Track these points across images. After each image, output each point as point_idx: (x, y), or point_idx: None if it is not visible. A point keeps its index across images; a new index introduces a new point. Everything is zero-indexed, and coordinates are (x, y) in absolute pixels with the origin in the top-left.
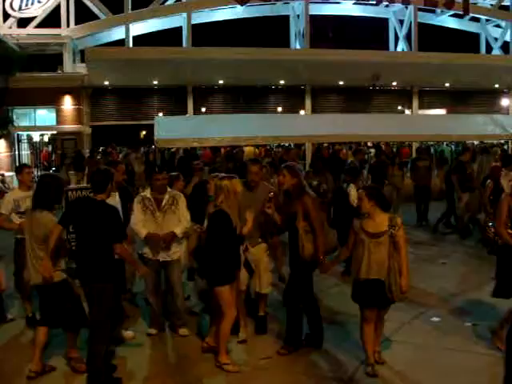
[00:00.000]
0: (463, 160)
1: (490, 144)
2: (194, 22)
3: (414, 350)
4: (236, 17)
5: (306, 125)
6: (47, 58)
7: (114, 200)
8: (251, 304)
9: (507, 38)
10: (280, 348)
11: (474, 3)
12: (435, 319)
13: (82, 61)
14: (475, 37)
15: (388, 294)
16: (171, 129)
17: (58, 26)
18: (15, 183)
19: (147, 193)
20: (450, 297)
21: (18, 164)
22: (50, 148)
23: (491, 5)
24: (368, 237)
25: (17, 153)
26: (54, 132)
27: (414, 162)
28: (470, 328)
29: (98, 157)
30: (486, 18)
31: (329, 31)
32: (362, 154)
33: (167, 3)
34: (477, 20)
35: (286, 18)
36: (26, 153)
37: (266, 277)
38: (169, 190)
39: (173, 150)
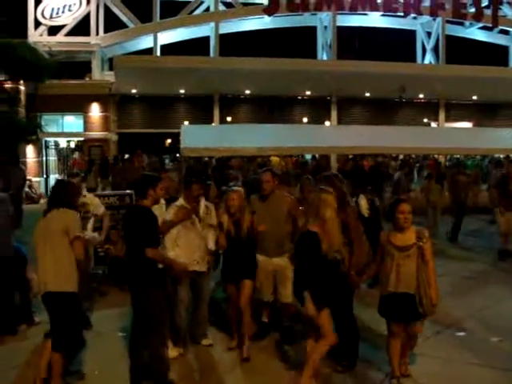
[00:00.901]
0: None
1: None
2: (221, 31)
3: (438, 363)
4: (263, 27)
5: (332, 136)
6: (76, 66)
7: (161, 209)
8: (275, 314)
9: None
10: (336, 365)
11: (503, 16)
12: (460, 334)
13: (111, 69)
14: (504, 49)
15: (419, 308)
16: (197, 137)
17: (88, 34)
18: (42, 189)
19: (182, 202)
20: (476, 312)
21: (45, 169)
22: (77, 154)
23: None
24: (396, 250)
25: (44, 158)
26: (81, 138)
27: (454, 175)
28: (497, 344)
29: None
30: None
31: (356, 43)
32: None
33: (195, 13)
34: (506, 33)
35: (314, 29)
36: (53, 159)
37: (290, 286)
38: (202, 199)
39: (205, 159)
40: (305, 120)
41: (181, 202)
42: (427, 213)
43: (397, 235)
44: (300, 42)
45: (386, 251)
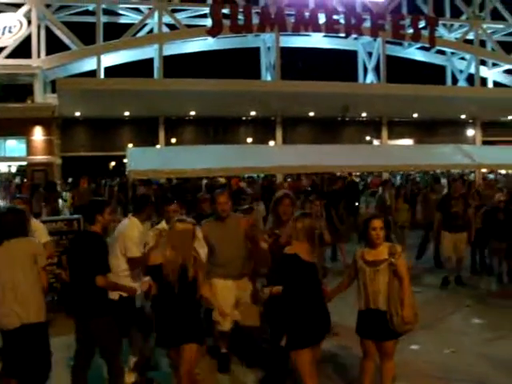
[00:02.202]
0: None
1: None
2: (165, 53)
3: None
4: (207, 48)
5: (278, 155)
6: (18, 89)
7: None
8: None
9: (472, 71)
10: None
11: (440, 36)
12: (414, 347)
13: (53, 91)
14: (442, 69)
15: (390, 326)
16: (143, 160)
17: (29, 56)
18: None
19: (164, 225)
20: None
21: None
22: (18, 179)
23: (456, 38)
24: (367, 265)
25: None
26: (24, 163)
27: (427, 194)
28: (449, 355)
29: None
30: (451, 50)
31: (299, 63)
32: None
33: (139, 35)
34: (443, 53)
35: (257, 50)
36: None
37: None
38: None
39: (162, 181)
40: (249, 140)
41: (162, 225)
42: (395, 233)
43: (370, 251)
44: (244, 62)
45: (358, 266)
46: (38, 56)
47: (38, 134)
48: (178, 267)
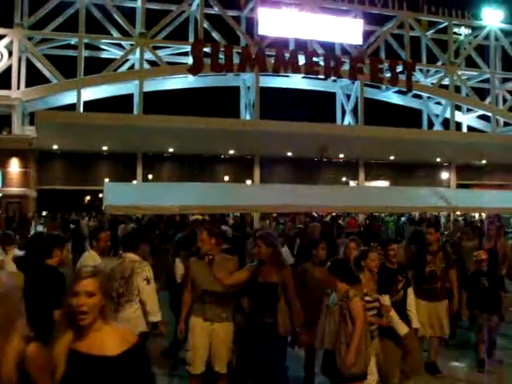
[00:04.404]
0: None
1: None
2: (145, 89)
3: None
4: (188, 86)
5: (255, 194)
6: None
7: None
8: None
9: (447, 115)
10: None
11: (417, 81)
12: None
13: (31, 123)
14: (418, 112)
15: (338, 367)
16: (120, 195)
17: (9, 87)
18: None
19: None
20: None
21: None
22: None
23: (432, 83)
24: (326, 307)
25: None
26: None
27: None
28: None
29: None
30: (427, 95)
31: (278, 103)
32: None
33: (120, 70)
34: (419, 97)
35: (237, 89)
36: None
37: (226, 356)
38: None
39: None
40: (227, 178)
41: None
42: None
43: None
44: (223, 101)
45: (323, 307)
46: (18, 88)
47: (15, 166)
48: None
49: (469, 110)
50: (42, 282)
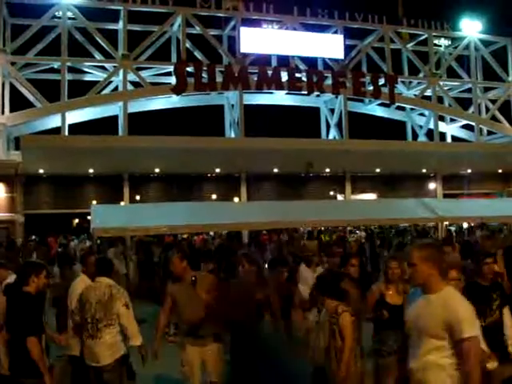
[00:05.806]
0: None
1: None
2: (130, 110)
3: None
4: (172, 106)
5: (242, 212)
6: None
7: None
8: None
9: (431, 126)
10: None
11: (399, 93)
12: None
13: (17, 148)
14: (402, 124)
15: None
16: (108, 217)
17: None
18: None
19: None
20: None
21: None
22: None
23: (415, 95)
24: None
25: None
26: None
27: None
28: None
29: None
30: (410, 107)
31: (263, 120)
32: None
33: (103, 92)
34: (402, 109)
35: (221, 107)
36: None
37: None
38: None
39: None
40: (214, 197)
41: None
42: None
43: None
44: (208, 120)
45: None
46: (2, 113)
47: (1, 191)
48: None
49: (452, 120)
50: (17, 309)
